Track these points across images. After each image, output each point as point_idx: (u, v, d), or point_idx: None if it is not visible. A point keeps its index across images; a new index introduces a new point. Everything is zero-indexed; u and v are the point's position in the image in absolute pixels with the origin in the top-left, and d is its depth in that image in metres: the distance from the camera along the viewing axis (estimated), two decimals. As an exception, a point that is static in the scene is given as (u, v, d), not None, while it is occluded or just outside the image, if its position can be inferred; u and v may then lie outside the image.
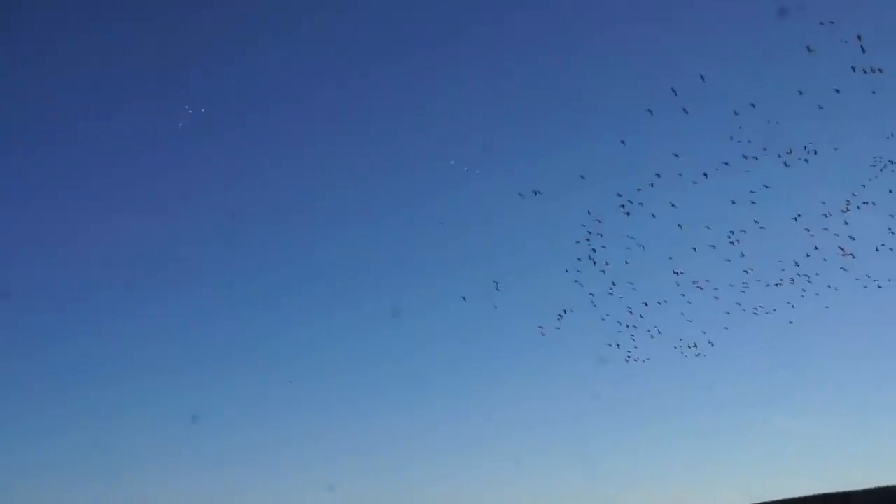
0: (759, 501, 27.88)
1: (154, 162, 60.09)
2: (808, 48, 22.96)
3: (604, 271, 27.85)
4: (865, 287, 26.42)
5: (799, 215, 25.69)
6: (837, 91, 22.90)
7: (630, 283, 28.30)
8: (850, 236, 24.79)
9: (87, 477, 52.49)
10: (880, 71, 21.79)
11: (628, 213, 26.22)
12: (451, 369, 58.18)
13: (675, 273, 27.48)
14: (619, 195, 26.43)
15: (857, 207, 24.32)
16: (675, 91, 24.40)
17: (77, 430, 55.74)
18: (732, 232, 26.54)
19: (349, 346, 59.60)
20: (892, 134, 23.88)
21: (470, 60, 53.18)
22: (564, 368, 49.73)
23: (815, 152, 23.85)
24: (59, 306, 59.27)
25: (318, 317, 60.49)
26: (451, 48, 54.14)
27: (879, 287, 26.62)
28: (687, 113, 24.76)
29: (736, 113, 24.56)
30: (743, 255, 26.82)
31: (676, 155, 26.09)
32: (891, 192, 24.26)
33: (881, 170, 24.26)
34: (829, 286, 26.72)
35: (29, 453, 53.15)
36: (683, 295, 27.76)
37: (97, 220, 60.88)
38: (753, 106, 24.43)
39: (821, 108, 24.30)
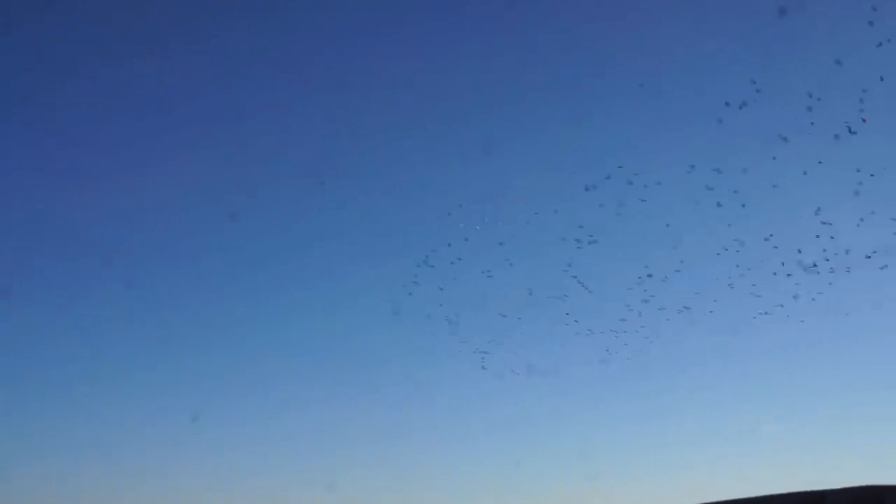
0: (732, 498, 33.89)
1: (156, 162, 60.08)
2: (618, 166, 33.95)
3: None
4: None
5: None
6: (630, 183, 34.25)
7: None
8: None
9: (87, 476, 52.54)
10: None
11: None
12: (450, 370, 58.22)
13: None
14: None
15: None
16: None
17: (77, 429, 55.80)
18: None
19: (349, 346, 59.53)
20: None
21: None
22: (561, 370, 52.45)
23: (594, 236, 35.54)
24: (59, 306, 59.31)
25: (318, 316, 60.47)
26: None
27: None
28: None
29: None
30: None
31: (501, 243, 36.35)
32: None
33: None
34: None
35: (28, 452, 53.21)
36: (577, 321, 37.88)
37: (96, 219, 60.90)
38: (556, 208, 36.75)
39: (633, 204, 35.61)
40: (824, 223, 34.13)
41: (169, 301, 59.97)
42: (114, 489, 50.79)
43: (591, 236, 34.71)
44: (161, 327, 59.22)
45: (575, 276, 36.15)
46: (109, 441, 53.97)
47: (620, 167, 35.31)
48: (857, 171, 33.81)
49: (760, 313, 37.62)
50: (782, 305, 36.88)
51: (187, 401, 56.78)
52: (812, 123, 33.11)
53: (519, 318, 37.39)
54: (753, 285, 36.27)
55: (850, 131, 30.63)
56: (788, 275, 35.11)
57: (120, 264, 57.98)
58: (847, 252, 34.72)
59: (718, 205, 34.22)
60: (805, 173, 34.37)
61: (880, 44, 33.37)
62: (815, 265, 34.89)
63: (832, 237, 34.34)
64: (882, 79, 31.20)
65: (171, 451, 53.97)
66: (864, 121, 29.96)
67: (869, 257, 35.24)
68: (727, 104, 31.55)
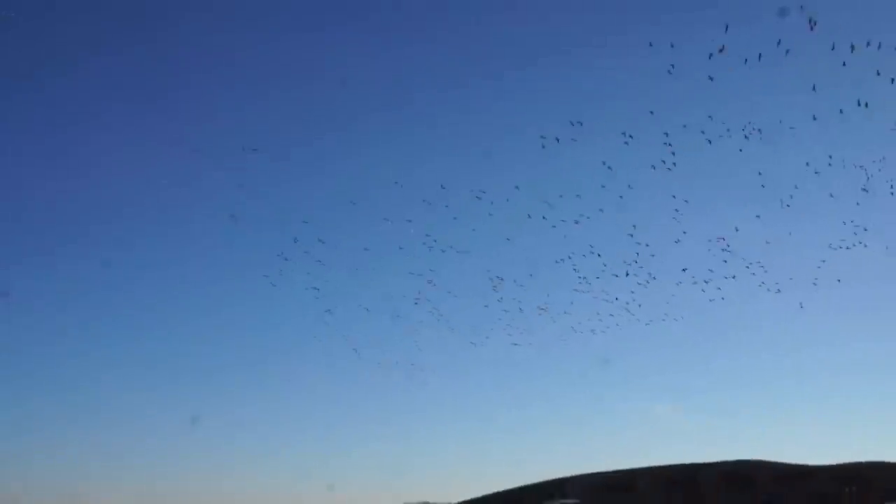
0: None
1: (158, 161, 60.87)
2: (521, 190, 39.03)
3: None
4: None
5: None
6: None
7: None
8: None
9: (87, 476, 53.08)
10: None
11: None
12: (449, 371, 60.26)
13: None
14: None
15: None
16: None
17: (78, 430, 56.41)
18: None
19: (349, 348, 60.53)
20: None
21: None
22: (428, 361, 58.01)
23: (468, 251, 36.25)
24: (59, 306, 60.04)
25: (317, 318, 61.38)
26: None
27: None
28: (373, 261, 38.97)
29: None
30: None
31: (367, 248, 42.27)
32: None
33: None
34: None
35: (29, 452, 53.81)
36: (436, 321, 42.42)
37: (98, 221, 61.57)
38: (434, 241, 39.26)
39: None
40: (639, 243, 40.06)
41: (170, 301, 60.85)
42: (114, 488, 51.40)
43: (436, 241, 41.48)
44: (162, 327, 60.09)
45: (430, 280, 43.17)
46: (110, 440, 54.43)
47: (471, 190, 42.16)
48: (673, 197, 41.23)
49: (608, 315, 45.81)
50: (628, 309, 44.69)
51: (187, 401, 57.52)
52: (628, 157, 39.54)
53: (395, 317, 44.22)
54: (602, 290, 43.85)
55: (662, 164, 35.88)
56: (606, 275, 41.59)
57: (121, 264, 58.68)
58: (664, 269, 41.92)
59: (567, 221, 40.53)
60: (621, 197, 40.25)
61: (684, 95, 39.14)
62: (650, 278, 41.10)
63: (653, 255, 40.69)
64: (685, 126, 36.48)
65: (171, 451, 54.71)
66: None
67: (685, 270, 43.13)
68: (542, 137, 36.26)
